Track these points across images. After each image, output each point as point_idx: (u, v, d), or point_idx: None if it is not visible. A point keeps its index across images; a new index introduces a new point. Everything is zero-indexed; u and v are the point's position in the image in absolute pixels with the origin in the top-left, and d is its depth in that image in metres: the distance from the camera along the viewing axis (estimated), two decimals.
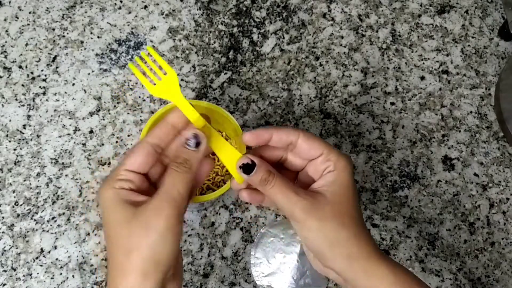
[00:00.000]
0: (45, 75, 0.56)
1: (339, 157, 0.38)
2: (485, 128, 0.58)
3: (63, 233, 0.50)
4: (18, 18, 0.58)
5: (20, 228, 0.50)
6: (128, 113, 0.55)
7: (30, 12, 0.58)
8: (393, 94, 0.59)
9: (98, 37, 0.58)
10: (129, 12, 0.60)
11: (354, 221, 0.37)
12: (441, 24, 0.63)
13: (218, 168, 0.49)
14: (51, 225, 0.50)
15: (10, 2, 0.59)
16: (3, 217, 0.50)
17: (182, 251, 0.50)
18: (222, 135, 0.50)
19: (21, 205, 0.51)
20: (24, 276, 0.48)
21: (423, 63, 0.61)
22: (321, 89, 0.58)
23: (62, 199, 0.51)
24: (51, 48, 0.57)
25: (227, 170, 0.49)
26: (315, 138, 0.39)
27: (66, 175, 0.52)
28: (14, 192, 0.51)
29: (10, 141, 0.53)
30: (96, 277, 0.49)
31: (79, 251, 0.50)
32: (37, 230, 0.50)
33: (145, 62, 0.41)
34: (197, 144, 0.37)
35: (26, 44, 0.57)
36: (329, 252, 0.36)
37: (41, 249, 0.50)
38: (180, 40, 0.59)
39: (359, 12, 0.62)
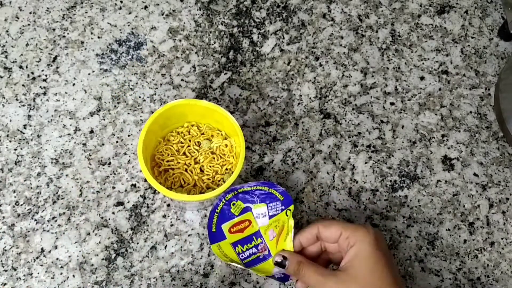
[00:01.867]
0: (46, 75, 0.56)
1: (355, 229, 0.42)
2: (485, 128, 0.58)
3: (64, 233, 0.50)
4: (18, 18, 0.58)
5: (21, 228, 0.50)
6: (128, 113, 0.55)
7: (30, 12, 0.58)
8: (393, 94, 0.59)
9: (99, 37, 0.58)
10: (130, 13, 0.60)
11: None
12: (441, 24, 0.63)
13: (218, 167, 0.49)
14: (51, 225, 0.50)
15: (10, 2, 0.59)
16: (3, 217, 0.50)
17: (182, 251, 0.51)
18: (221, 134, 0.51)
19: (21, 205, 0.51)
20: (24, 275, 0.48)
21: (423, 63, 0.61)
22: (321, 89, 0.58)
23: (62, 199, 0.51)
24: (51, 48, 0.57)
25: (226, 169, 0.49)
26: (332, 222, 0.44)
27: (66, 175, 0.52)
28: (14, 192, 0.51)
29: (10, 141, 0.53)
30: (97, 277, 0.49)
31: (80, 251, 0.50)
32: (37, 230, 0.50)
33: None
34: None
35: (27, 44, 0.57)
36: None
37: (42, 248, 0.50)
38: (180, 40, 0.59)
39: (359, 12, 0.62)
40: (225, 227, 0.47)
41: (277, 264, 0.44)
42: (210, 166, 0.49)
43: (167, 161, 0.49)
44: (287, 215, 0.48)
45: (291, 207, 0.48)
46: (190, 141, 0.50)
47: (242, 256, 0.47)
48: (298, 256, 0.44)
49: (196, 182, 0.49)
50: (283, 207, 0.48)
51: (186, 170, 0.49)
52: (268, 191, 0.48)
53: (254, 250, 0.47)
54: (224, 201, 0.48)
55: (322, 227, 0.44)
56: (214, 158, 0.50)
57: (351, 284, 0.40)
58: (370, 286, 0.40)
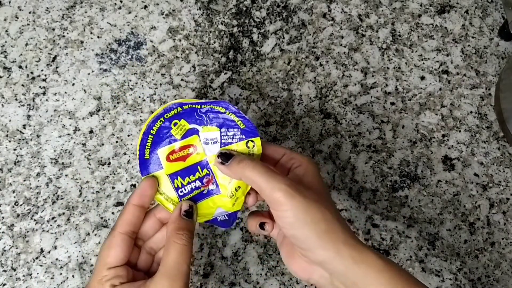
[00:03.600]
0: (45, 75, 0.56)
1: (302, 155, 0.39)
2: (485, 128, 0.58)
3: (63, 233, 0.50)
4: (18, 18, 0.58)
5: (20, 228, 0.50)
6: (128, 113, 0.55)
7: (30, 12, 0.58)
8: (393, 94, 0.59)
9: (98, 37, 0.58)
10: (129, 12, 0.60)
11: (335, 209, 0.37)
12: (441, 24, 0.63)
13: None
14: (51, 225, 0.50)
15: (10, 2, 0.59)
16: (3, 217, 0.50)
17: None
18: None
19: (21, 205, 0.51)
20: (24, 276, 0.48)
21: (423, 63, 0.61)
22: (321, 89, 0.58)
23: (62, 199, 0.51)
24: (51, 48, 0.57)
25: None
26: (275, 144, 0.41)
27: (66, 175, 0.52)
28: (14, 192, 0.51)
29: (10, 141, 0.53)
30: None
31: (79, 251, 0.50)
32: (37, 230, 0.50)
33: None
34: (191, 215, 0.38)
35: (26, 44, 0.57)
36: (317, 238, 0.34)
37: (41, 249, 0.50)
38: (180, 40, 0.59)
39: (359, 12, 0.62)
40: (161, 153, 0.38)
41: (221, 156, 0.38)
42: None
43: None
44: (248, 147, 0.39)
45: (256, 140, 0.39)
46: None
47: (181, 191, 0.39)
48: (241, 155, 0.38)
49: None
50: (243, 137, 0.39)
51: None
52: (225, 113, 0.39)
53: (198, 183, 0.39)
54: (163, 120, 0.38)
55: (266, 145, 0.40)
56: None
57: (311, 193, 0.36)
58: (328, 201, 0.37)
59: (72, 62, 0.57)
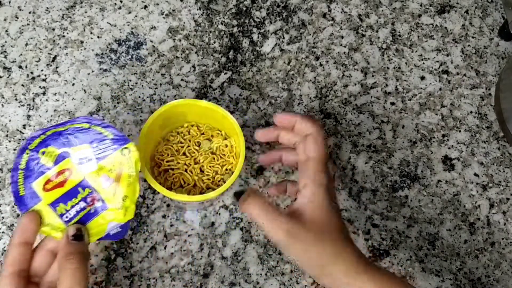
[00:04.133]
0: (45, 75, 0.56)
1: (310, 126, 0.43)
2: (485, 128, 0.58)
3: None
4: (18, 18, 0.58)
5: None
6: (128, 113, 0.55)
7: (30, 12, 0.58)
8: (393, 94, 0.59)
9: (98, 37, 0.58)
10: (129, 12, 0.60)
11: (336, 236, 0.39)
12: (441, 24, 0.63)
13: (218, 167, 0.49)
14: None
15: (10, 2, 0.59)
16: (3, 217, 0.50)
17: (182, 251, 0.50)
18: (221, 134, 0.51)
19: None
20: None
21: (423, 63, 0.61)
22: (321, 89, 0.58)
23: None
24: (51, 48, 0.57)
25: (227, 169, 0.49)
26: (287, 113, 0.46)
27: None
28: None
29: (10, 141, 0.53)
30: (96, 277, 0.49)
31: None
32: None
33: None
34: (81, 237, 0.38)
35: (26, 44, 0.57)
36: (317, 279, 0.40)
37: None
38: (180, 40, 0.59)
39: (359, 12, 0.62)
40: (36, 185, 0.37)
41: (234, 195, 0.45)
42: (210, 166, 0.49)
43: (167, 161, 0.49)
44: (124, 155, 0.39)
45: (129, 145, 0.39)
46: (190, 141, 0.50)
47: (66, 216, 0.38)
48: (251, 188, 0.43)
49: (196, 183, 0.48)
50: (116, 146, 0.39)
51: (186, 170, 0.49)
52: (90, 128, 0.39)
53: (82, 204, 0.38)
54: (29, 152, 0.37)
55: (281, 115, 0.45)
56: (214, 159, 0.49)
57: (304, 233, 0.39)
58: (322, 233, 0.39)
59: (72, 62, 0.57)
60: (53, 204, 0.37)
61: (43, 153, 0.37)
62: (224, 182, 0.48)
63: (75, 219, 0.38)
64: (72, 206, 0.38)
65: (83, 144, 0.38)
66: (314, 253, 0.38)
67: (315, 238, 0.38)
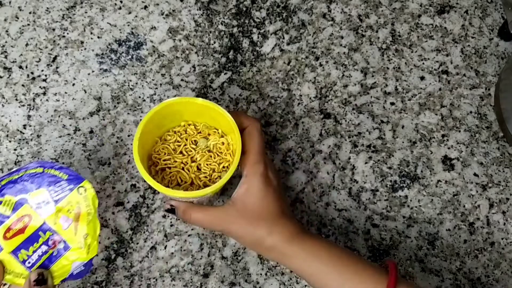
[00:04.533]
0: (45, 75, 0.56)
1: (251, 157, 0.45)
2: (485, 128, 0.58)
3: None
4: (18, 18, 0.58)
5: None
6: (128, 113, 0.55)
7: (30, 12, 0.58)
8: (393, 94, 0.59)
9: (98, 37, 0.58)
10: (129, 12, 0.60)
11: (271, 216, 0.44)
12: (441, 24, 0.63)
13: (215, 165, 0.49)
14: None
15: (10, 2, 0.59)
16: None
17: (182, 251, 0.50)
18: (218, 132, 0.50)
19: None
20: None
21: (423, 63, 0.61)
22: (321, 89, 0.58)
23: None
24: (51, 48, 0.57)
25: (224, 167, 0.49)
26: (253, 137, 0.47)
27: None
28: None
29: (10, 141, 0.53)
30: (96, 277, 0.49)
31: None
32: None
33: None
34: (44, 281, 0.38)
35: (26, 44, 0.57)
36: (258, 250, 0.46)
37: None
38: (180, 40, 0.59)
39: (359, 12, 0.62)
40: None
41: (168, 211, 0.46)
42: (207, 164, 0.49)
43: (164, 160, 0.49)
44: (81, 194, 0.40)
45: (84, 183, 0.41)
46: (186, 140, 0.50)
47: (29, 262, 0.39)
48: (183, 204, 0.46)
49: (193, 180, 0.48)
50: (72, 186, 0.40)
51: (183, 168, 0.49)
52: (44, 172, 0.40)
53: (44, 248, 0.39)
54: None
55: (236, 114, 0.47)
56: (211, 156, 0.49)
57: (239, 219, 0.44)
58: (256, 218, 0.44)
59: (72, 62, 0.57)
60: (15, 252, 0.38)
61: (0, 202, 0.38)
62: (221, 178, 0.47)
63: (38, 264, 0.39)
64: (34, 251, 0.38)
65: (39, 188, 0.39)
66: (249, 232, 0.44)
67: (249, 220, 0.44)
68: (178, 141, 0.50)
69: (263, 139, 0.47)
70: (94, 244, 0.41)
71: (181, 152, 0.49)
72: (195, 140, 0.50)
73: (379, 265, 0.45)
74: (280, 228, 0.44)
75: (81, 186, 0.40)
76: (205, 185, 0.48)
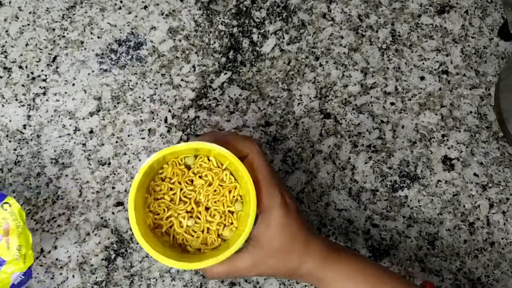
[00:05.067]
0: (45, 75, 0.56)
1: (268, 190, 0.41)
2: (485, 128, 0.58)
3: (63, 233, 0.50)
4: (18, 18, 0.58)
5: None
6: (128, 113, 0.55)
7: (30, 12, 0.58)
8: (393, 94, 0.59)
9: (98, 37, 0.58)
10: (129, 12, 0.60)
11: (298, 244, 0.41)
12: (441, 24, 0.63)
13: (224, 198, 0.42)
14: (51, 225, 0.50)
15: (10, 2, 0.59)
16: None
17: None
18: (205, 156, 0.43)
19: (21, 205, 0.51)
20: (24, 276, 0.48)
21: (423, 63, 0.61)
22: (321, 89, 0.58)
23: (62, 199, 0.51)
24: (51, 48, 0.57)
25: (233, 196, 0.42)
26: (258, 166, 0.42)
27: (66, 175, 0.52)
28: (14, 192, 0.51)
29: (10, 141, 0.53)
30: (96, 277, 0.49)
31: (79, 251, 0.50)
32: (37, 230, 0.50)
33: None
34: None
35: (26, 44, 0.57)
36: (291, 278, 0.45)
37: (41, 249, 0.50)
38: (180, 40, 0.59)
39: (359, 12, 0.62)
40: None
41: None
42: (215, 202, 0.42)
43: (167, 219, 0.42)
44: (6, 209, 0.41)
45: (7, 200, 0.42)
46: (180, 183, 0.42)
47: None
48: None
49: (209, 227, 0.42)
50: None
51: (191, 217, 0.42)
52: None
53: None
54: None
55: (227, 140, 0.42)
56: (215, 191, 0.42)
57: (268, 259, 0.40)
58: (286, 252, 0.41)
59: (72, 62, 0.57)
60: None
61: None
62: (235, 211, 0.42)
63: None
64: None
65: None
66: (281, 268, 0.41)
67: (279, 257, 0.41)
68: (171, 189, 0.42)
69: (268, 162, 0.42)
70: (29, 253, 0.43)
71: (180, 199, 0.42)
72: (190, 180, 0.42)
73: (417, 285, 0.43)
74: (311, 253, 0.41)
75: (5, 203, 0.42)
76: (223, 225, 0.42)
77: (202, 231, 0.42)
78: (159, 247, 0.39)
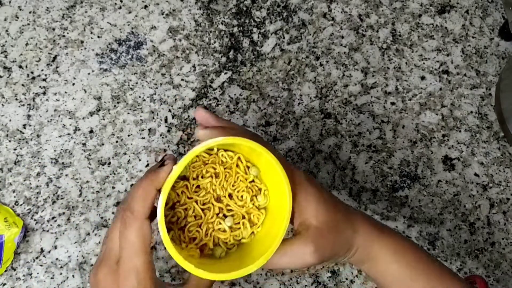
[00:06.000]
0: (45, 75, 0.56)
1: (291, 176, 0.37)
2: (486, 128, 0.58)
3: (63, 233, 0.50)
4: (18, 17, 0.58)
5: None
6: (128, 113, 0.55)
7: (30, 12, 0.58)
8: (394, 94, 0.59)
9: (98, 36, 0.58)
10: (129, 12, 0.60)
11: (344, 226, 0.38)
12: (442, 24, 0.63)
13: (244, 186, 0.37)
14: (51, 225, 0.50)
15: (10, 2, 0.58)
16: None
17: None
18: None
19: (21, 205, 0.51)
20: (24, 276, 0.48)
21: (424, 63, 0.61)
22: (321, 89, 0.58)
23: (62, 199, 0.51)
24: (51, 48, 0.57)
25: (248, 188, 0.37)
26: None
27: (66, 175, 0.52)
28: (14, 192, 0.51)
29: (10, 141, 0.53)
30: None
31: (79, 251, 0.50)
32: (37, 230, 0.50)
33: None
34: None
35: (26, 44, 0.57)
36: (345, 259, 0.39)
37: (41, 249, 0.50)
38: (180, 40, 0.59)
39: (360, 12, 0.62)
40: None
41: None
42: (232, 186, 0.37)
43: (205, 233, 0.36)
44: None
45: None
46: (189, 198, 0.36)
47: None
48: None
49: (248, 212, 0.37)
50: None
51: (224, 215, 0.37)
52: None
53: None
54: None
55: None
56: (226, 177, 0.37)
57: (326, 234, 0.37)
58: (337, 222, 0.37)
59: (72, 62, 0.57)
60: None
61: None
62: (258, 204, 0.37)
63: None
64: None
65: None
66: (341, 241, 0.37)
67: (332, 231, 0.37)
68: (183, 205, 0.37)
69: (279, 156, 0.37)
70: (16, 219, 0.49)
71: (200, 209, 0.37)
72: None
73: (466, 279, 0.42)
74: (360, 221, 0.39)
75: None
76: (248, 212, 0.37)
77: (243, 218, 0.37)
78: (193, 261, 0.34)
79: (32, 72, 0.56)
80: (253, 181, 0.38)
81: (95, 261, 0.38)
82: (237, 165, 0.37)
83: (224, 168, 0.37)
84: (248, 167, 0.37)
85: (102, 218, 0.51)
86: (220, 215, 0.37)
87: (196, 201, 0.36)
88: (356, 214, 0.39)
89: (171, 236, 0.36)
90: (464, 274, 0.52)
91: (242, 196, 0.37)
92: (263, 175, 0.38)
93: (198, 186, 0.37)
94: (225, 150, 0.37)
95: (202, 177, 0.37)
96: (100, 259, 0.36)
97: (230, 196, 0.37)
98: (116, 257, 0.35)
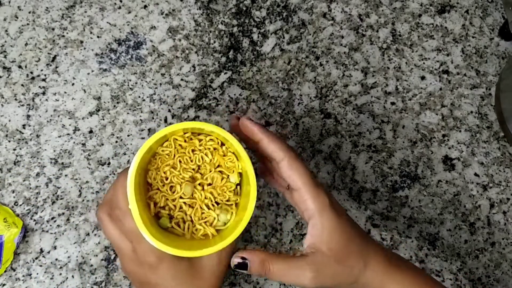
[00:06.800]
0: (45, 75, 0.56)
1: (316, 198, 0.38)
2: (486, 128, 0.58)
3: (63, 233, 0.50)
4: (17, 17, 0.58)
5: None
6: (128, 113, 0.55)
7: (29, 12, 0.58)
8: (394, 94, 0.59)
9: (98, 36, 0.58)
10: (129, 12, 0.59)
11: (358, 248, 0.39)
12: (442, 24, 0.63)
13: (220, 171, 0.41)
14: (50, 225, 0.50)
15: (9, 2, 0.58)
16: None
17: None
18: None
19: (20, 205, 0.51)
20: (23, 276, 0.48)
21: (424, 63, 0.60)
22: (321, 89, 0.58)
23: (61, 199, 0.51)
24: (50, 48, 0.57)
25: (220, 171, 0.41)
26: (298, 169, 0.39)
27: (65, 175, 0.52)
28: (13, 192, 0.51)
29: (9, 141, 0.53)
30: (96, 278, 0.49)
31: (79, 251, 0.50)
32: (36, 230, 0.50)
33: None
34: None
35: (26, 44, 0.57)
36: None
37: (41, 249, 0.49)
38: (180, 40, 0.59)
39: (360, 11, 0.62)
40: None
41: (237, 267, 0.38)
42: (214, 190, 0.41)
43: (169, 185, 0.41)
44: None
45: None
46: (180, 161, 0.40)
47: None
48: (259, 253, 0.38)
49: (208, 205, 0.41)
50: None
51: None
52: None
53: None
54: None
55: (287, 165, 0.39)
56: (217, 168, 0.41)
57: (332, 263, 0.38)
58: (347, 255, 0.38)
59: (71, 62, 0.57)
60: None
61: None
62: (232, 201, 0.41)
63: None
64: None
65: None
66: (346, 274, 0.38)
67: (342, 260, 0.38)
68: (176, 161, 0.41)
69: (306, 165, 0.41)
70: (15, 219, 0.49)
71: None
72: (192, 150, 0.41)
73: None
74: (372, 257, 0.39)
75: None
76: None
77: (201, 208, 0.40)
78: (163, 236, 0.38)
79: (31, 72, 0.56)
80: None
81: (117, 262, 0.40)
82: (216, 149, 0.41)
83: (193, 150, 0.41)
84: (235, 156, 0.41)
85: None
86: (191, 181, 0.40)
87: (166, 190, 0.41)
88: (371, 248, 0.40)
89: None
90: (464, 274, 0.52)
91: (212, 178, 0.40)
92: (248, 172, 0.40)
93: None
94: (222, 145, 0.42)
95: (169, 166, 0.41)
96: (122, 256, 0.39)
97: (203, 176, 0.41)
98: (130, 250, 0.38)
